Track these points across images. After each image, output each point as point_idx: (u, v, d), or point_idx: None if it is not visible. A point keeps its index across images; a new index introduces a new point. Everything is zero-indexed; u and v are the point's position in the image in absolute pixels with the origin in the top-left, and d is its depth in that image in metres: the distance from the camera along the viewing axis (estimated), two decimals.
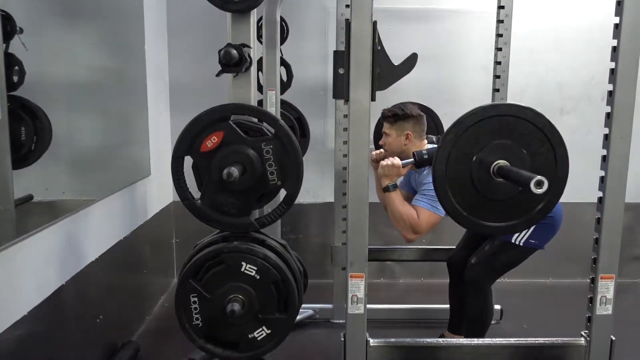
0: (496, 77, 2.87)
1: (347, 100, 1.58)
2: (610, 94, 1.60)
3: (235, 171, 1.61)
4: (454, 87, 3.62)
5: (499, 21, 2.80)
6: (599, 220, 1.66)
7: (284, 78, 3.19)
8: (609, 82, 1.60)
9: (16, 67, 1.76)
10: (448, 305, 2.78)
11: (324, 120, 3.66)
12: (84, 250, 2.30)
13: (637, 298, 3.53)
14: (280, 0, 2.63)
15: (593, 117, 3.54)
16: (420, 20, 3.61)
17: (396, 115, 2.49)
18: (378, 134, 2.76)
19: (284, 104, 3.10)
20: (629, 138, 1.60)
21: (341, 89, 1.57)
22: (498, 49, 2.83)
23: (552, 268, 3.74)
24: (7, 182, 1.74)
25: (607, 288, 1.67)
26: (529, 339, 1.77)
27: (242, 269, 1.75)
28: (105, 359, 2.48)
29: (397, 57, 1.61)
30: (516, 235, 2.38)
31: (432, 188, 1.64)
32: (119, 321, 2.68)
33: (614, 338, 1.70)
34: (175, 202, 3.48)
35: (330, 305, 3.12)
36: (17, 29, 1.75)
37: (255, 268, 1.75)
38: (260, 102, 2.65)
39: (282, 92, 2.98)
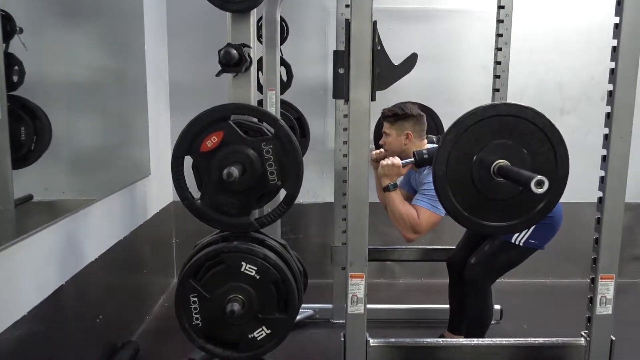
0: (496, 77, 2.86)
1: (347, 100, 1.58)
2: (610, 94, 1.60)
3: (235, 171, 1.61)
4: (453, 87, 3.62)
5: (499, 21, 2.80)
6: (599, 220, 1.66)
7: (284, 78, 3.19)
8: (609, 82, 1.60)
9: (16, 67, 1.76)
10: (448, 305, 2.78)
11: (324, 120, 3.66)
12: (83, 250, 2.30)
13: (637, 298, 3.53)
14: (280, 0, 2.63)
15: (593, 117, 3.54)
16: (420, 20, 3.61)
17: (396, 115, 2.49)
18: (378, 133, 2.76)
19: (284, 104, 3.09)
20: (629, 138, 1.60)
21: (341, 88, 1.57)
22: (498, 49, 2.83)
23: (552, 268, 3.74)
24: (6, 182, 1.74)
25: (607, 288, 1.67)
26: (529, 339, 1.77)
27: (242, 269, 1.75)
28: (105, 359, 2.48)
29: (397, 57, 1.61)
30: (516, 235, 2.38)
31: (432, 188, 1.64)
32: (119, 321, 2.68)
33: (614, 338, 1.70)
34: (175, 202, 3.48)
35: (330, 305, 3.12)
36: (17, 29, 1.75)
37: (255, 268, 1.75)
38: (260, 102, 2.65)
39: (282, 92, 2.98)
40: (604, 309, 1.68)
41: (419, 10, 3.59)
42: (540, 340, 1.75)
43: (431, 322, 3.02)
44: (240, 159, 1.69)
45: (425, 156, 2.23)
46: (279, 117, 2.15)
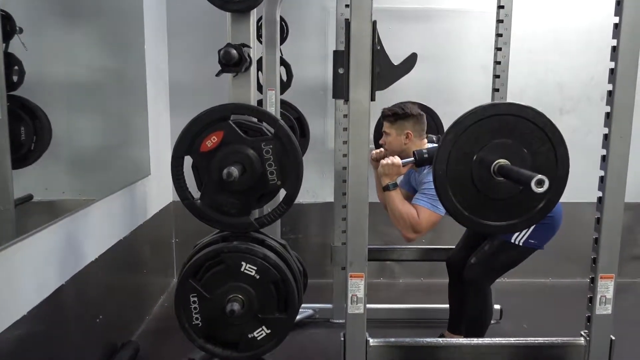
0: (496, 77, 2.87)
1: (346, 100, 1.58)
2: (610, 94, 1.60)
3: (235, 171, 1.61)
4: (453, 87, 3.63)
5: (499, 21, 2.80)
6: (598, 220, 1.66)
7: (284, 78, 3.19)
8: (609, 82, 1.60)
9: (16, 67, 1.76)
10: (448, 305, 2.78)
11: (323, 120, 3.66)
12: (83, 250, 2.30)
13: (637, 298, 3.54)
14: (280, 0, 2.63)
15: (593, 117, 3.54)
16: (420, 20, 3.61)
17: (396, 115, 2.49)
18: (378, 133, 2.76)
19: (284, 104, 3.10)
20: (629, 138, 1.60)
21: (341, 88, 1.57)
22: (498, 49, 2.83)
23: (552, 268, 3.74)
24: (6, 181, 1.74)
25: (606, 288, 1.67)
26: (528, 338, 1.77)
27: (242, 269, 1.75)
28: (105, 359, 2.48)
29: (396, 56, 1.61)
30: (516, 235, 2.38)
31: (433, 187, 1.64)
32: (119, 321, 2.68)
33: (613, 338, 1.70)
34: (175, 201, 3.48)
35: (330, 305, 3.12)
36: (17, 28, 1.75)
37: (255, 268, 1.75)
38: (260, 102, 2.65)
39: (281, 92, 2.98)
40: (603, 309, 1.68)
41: (419, 10, 3.59)
42: (540, 340, 1.75)
43: (431, 321, 3.02)
44: (240, 159, 1.69)
45: (425, 155, 2.23)
46: (278, 117, 2.15)
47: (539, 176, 1.36)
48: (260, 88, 2.66)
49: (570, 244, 3.28)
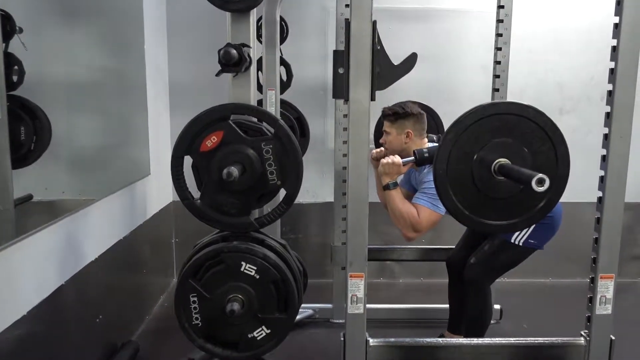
0: (496, 76, 2.86)
1: (346, 100, 1.58)
2: (610, 93, 1.60)
3: (235, 171, 1.61)
4: (453, 86, 3.62)
5: (499, 21, 2.80)
6: (598, 220, 1.66)
7: (284, 78, 3.19)
8: (609, 82, 1.60)
9: (16, 67, 1.76)
10: (447, 305, 2.78)
11: (323, 120, 3.66)
12: (83, 250, 2.30)
13: (637, 298, 3.53)
14: (280, 0, 2.63)
15: (593, 117, 3.54)
16: (420, 20, 3.61)
17: (397, 114, 2.49)
18: (378, 132, 2.76)
19: (284, 104, 3.09)
20: (629, 138, 1.60)
21: (341, 88, 1.56)
22: (498, 49, 2.83)
23: (552, 268, 3.74)
24: (6, 181, 1.74)
25: (606, 288, 1.67)
26: (528, 338, 1.76)
27: (242, 269, 1.75)
28: (105, 358, 2.48)
29: (396, 56, 1.61)
30: (515, 235, 2.38)
31: (433, 186, 1.64)
32: (119, 321, 2.68)
33: (613, 338, 1.70)
34: (175, 201, 3.48)
35: (330, 305, 3.12)
36: (17, 28, 1.75)
37: (255, 268, 1.75)
38: (260, 102, 2.65)
39: (281, 92, 2.98)
40: (603, 309, 1.68)
41: (419, 10, 3.59)
42: (540, 340, 1.75)
43: (431, 321, 3.02)
44: (240, 158, 1.69)
45: (426, 155, 2.23)
46: (278, 117, 2.15)
47: (540, 175, 1.36)
48: (260, 88, 2.66)
49: (570, 244, 3.28)
